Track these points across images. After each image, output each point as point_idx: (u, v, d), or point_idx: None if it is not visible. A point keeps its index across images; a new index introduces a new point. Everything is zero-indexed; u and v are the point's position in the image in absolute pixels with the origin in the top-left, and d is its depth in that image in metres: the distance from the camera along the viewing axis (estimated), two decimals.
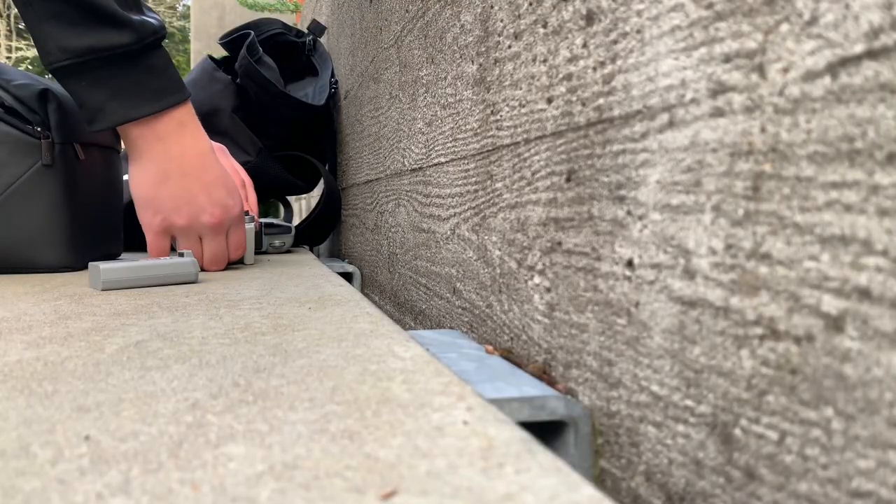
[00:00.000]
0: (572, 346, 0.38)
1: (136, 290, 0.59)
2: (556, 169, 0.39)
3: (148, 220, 0.72)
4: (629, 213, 0.32)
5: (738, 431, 0.26)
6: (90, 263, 0.62)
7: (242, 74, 1.15)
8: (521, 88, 0.44)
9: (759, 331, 0.24)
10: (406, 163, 0.76)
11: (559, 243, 0.39)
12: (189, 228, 0.72)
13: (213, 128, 1.16)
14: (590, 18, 0.36)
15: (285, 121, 1.20)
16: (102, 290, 0.59)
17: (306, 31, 1.36)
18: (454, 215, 0.58)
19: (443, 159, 0.61)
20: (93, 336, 0.39)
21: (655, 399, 0.30)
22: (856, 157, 0.21)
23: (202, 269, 0.75)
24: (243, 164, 1.16)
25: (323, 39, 1.55)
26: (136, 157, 0.70)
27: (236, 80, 1.18)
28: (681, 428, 0.29)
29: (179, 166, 0.70)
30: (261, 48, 1.20)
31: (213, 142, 0.76)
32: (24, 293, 0.58)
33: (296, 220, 2.15)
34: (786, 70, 0.23)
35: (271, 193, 1.30)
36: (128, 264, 0.61)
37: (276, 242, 1.04)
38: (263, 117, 1.18)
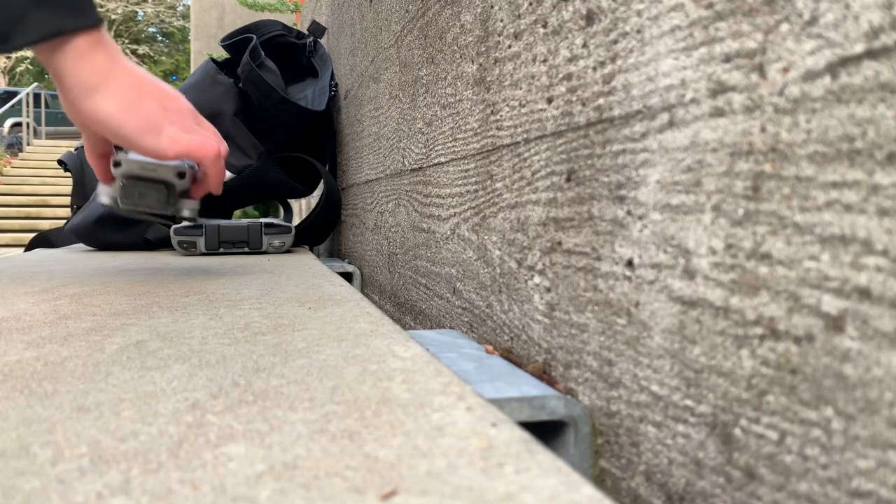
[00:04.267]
0: (572, 346, 0.38)
1: (136, 290, 0.59)
2: (556, 169, 0.39)
3: (155, 141, 0.59)
4: (629, 213, 0.32)
5: (738, 431, 0.26)
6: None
7: (245, 80, 1.16)
8: (521, 88, 0.44)
9: (759, 331, 0.24)
10: (406, 163, 0.76)
11: (559, 243, 0.39)
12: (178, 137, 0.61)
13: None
14: (590, 18, 0.36)
15: (286, 125, 1.20)
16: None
17: (307, 32, 1.36)
18: (454, 215, 0.58)
19: (443, 159, 0.61)
20: (93, 336, 0.39)
21: (655, 399, 0.30)
22: (856, 157, 0.21)
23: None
24: (245, 168, 1.16)
25: (323, 40, 1.55)
26: (94, 86, 0.56)
27: (238, 83, 1.19)
28: (681, 428, 0.29)
29: (137, 82, 0.59)
30: (262, 52, 1.20)
31: None
32: (24, 293, 0.58)
33: (296, 220, 2.15)
34: (786, 70, 0.23)
35: (272, 196, 1.30)
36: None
37: (276, 242, 1.04)
38: (265, 121, 1.18)
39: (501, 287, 0.48)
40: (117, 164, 0.63)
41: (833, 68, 0.21)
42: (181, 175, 0.66)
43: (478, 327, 0.53)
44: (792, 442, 0.23)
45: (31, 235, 1.69)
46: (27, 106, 10.84)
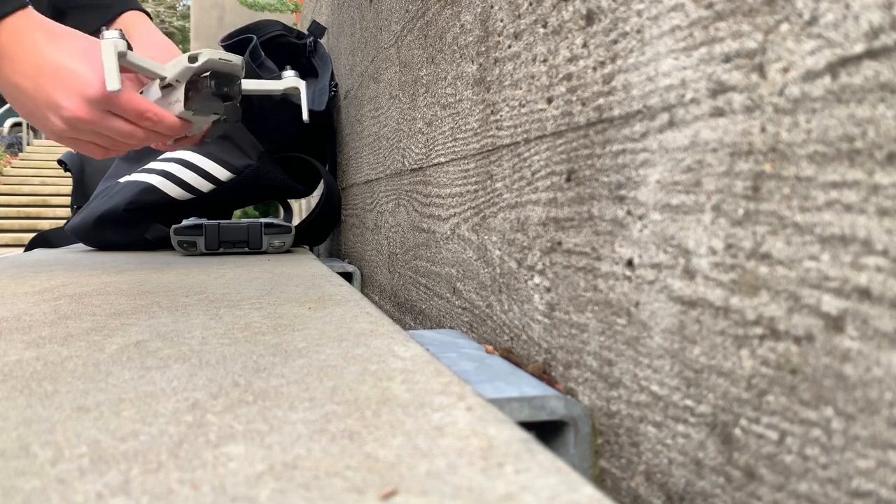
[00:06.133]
0: (572, 346, 0.38)
1: (136, 290, 0.59)
2: (556, 169, 0.39)
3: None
4: (629, 212, 0.32)
5: (738, 431, 0.26)
6: None
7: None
8: (521, 88, 0.44)
9: (759, 331, 0.24)
10: (406, 163, 0.76)
11: (559, 243, 0.39)
12: (63, 138, 0.66)
13: (215, 130, 1.17)
14: (590, 18, 0.36)
15: (286, 125, 1.20)
16: None
17: (307, 32, 1.36)
18: (454, 215, 0.58)
19: (443, 159, 0.61)
20: (93, 336, 0.39)
21: (655, 399, 0.30)
22: (856, 156, 0.21)
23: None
24: (245, 168, 1.16)
25: (323, 39, 1.55)
26: None
27: None
28: (681, 428, 0.29)
29: (14, 85, 0.63)
30: (262, 52, 1.20)
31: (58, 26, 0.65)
32: (24, 293, 0.58)
33: (296, 220, 2.15)
34: (786, 70, 0.23)
35: (272, 196, 1.30)
36: None
37: (276, 242, 1.04)
38: (265, 121, 1.18)
39: (501, 287, 0.48)
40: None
41: (833, 68, 0.21)
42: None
43: (478, 327, 0.53)
44: (792, 442, 0.23)
45: (31, 235, 1.69)
46: None
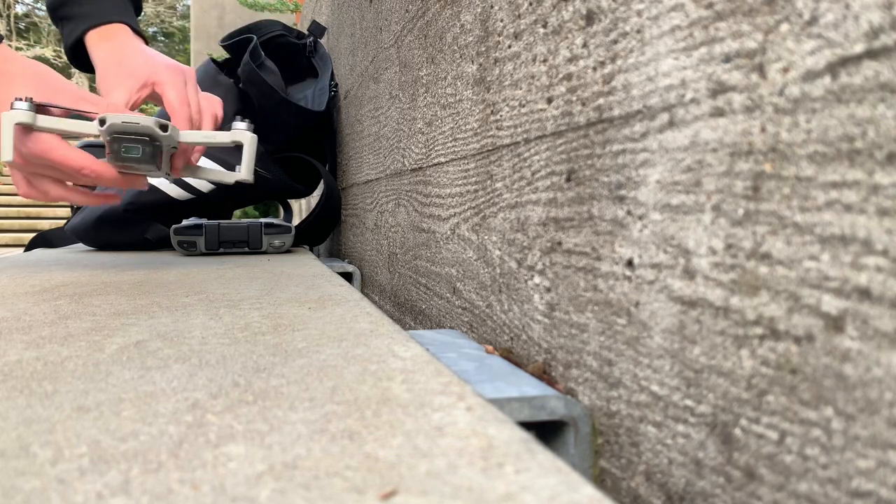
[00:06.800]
0: (572, 346, 0.38)
1: (136, 290, 0.59)
2: (556, 169, 0.39)
3: None
4: (629, 212, 0.32)
5: (738, 431, 0.26)
6: None
7: (245, 80, 1.15)
8: (521, 88, 0.44)
9: (759, 331, 0.24)
10: (406, 163, 0.76)
11: (559, 243, 0.39)
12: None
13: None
14: (590, 18, 0.36)
15: (287, 126, 1.20)
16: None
17: (307, 32, 1.36)
18: (454, 215, 0.58)
19: (443, 159, 0.61)
20: (93, 336, 0.39)
21: (655, 399, 0.30)
22: (856, 156, 0.21)
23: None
24: None
25: (323, 39, 1.55)
26: None
27: (238, 83, 1.18)
28: (681, 428, 0.29)
29: None
30: (262, 52, 1.20)
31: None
32: (24, 293, 0.58)
33: (296, 220, 2.15)
34: (786, 70, 0.23)
35: (272, 196, 1.30)
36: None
37: (276, 242, 1.04)
38: (265, 122, 1.18)
39: (501, 287, 0.48)
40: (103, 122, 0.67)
41: (833, 68, 0.21)
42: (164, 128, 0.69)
43: (478, 327, 0.53)
44: (792, 442, 0.23)
45: (31, 235, 1.69)
46: None
